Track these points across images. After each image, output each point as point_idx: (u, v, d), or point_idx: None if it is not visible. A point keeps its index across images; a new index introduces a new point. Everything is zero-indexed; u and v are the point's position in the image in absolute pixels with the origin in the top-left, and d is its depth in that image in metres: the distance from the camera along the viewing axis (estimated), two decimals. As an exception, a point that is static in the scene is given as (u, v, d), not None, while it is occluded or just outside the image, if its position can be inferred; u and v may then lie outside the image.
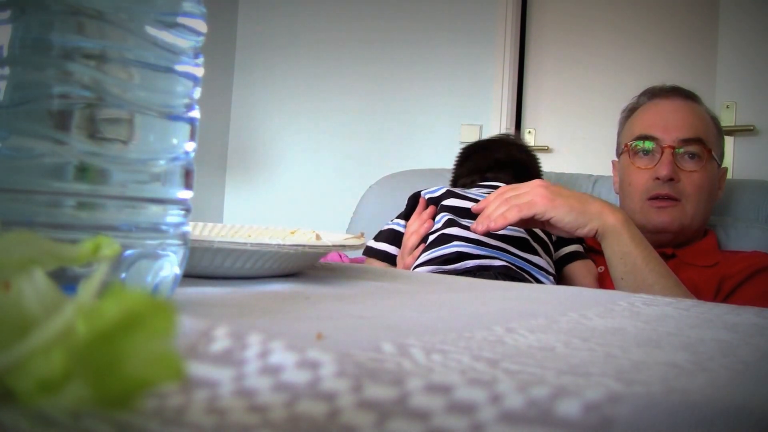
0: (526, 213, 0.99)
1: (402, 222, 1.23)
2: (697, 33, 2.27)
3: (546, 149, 2.54)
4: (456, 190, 1.21)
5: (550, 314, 0.40)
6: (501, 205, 1.00)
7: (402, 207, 1.28)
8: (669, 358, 0.29)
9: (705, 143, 1.19)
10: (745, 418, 0.17)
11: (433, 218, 1.17)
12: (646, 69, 2.25)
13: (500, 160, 1.27)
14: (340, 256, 1.25)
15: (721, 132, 1.27)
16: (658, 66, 2.26)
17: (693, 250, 1.21)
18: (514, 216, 0.98)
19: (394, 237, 1.22)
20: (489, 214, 1.00)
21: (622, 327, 0.37)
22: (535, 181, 1.03)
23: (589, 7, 2.49)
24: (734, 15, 2.02)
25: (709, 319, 0.42)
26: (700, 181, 1.18)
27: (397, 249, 1.20)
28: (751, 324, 0.40)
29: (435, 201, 1.19)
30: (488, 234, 1.08)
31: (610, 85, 2.39)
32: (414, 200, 1.24)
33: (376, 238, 1.24)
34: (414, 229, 1.17)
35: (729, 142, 1.96)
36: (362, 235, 0.61)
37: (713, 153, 1.20)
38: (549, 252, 1.13)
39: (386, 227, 1.25)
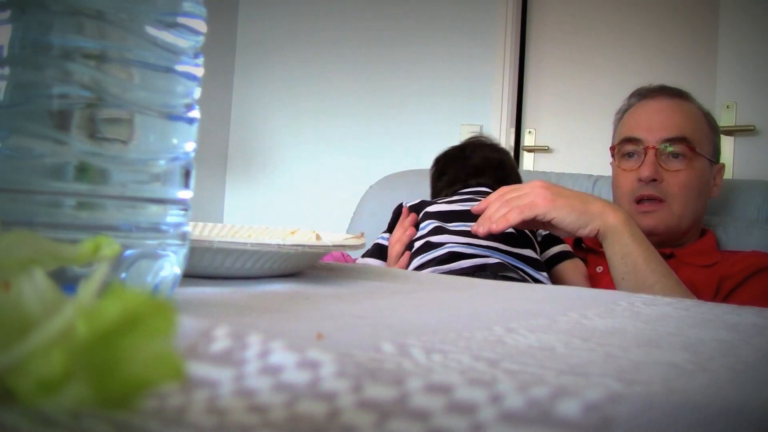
0: (528, 214, 0.98)
1: (386, 236, 1.23)
2: (697, 33, 2.27)
3: (546, 149, 2.55)
4: (437, 199, 1.21)
5: (550, 314, 0.40)
6: (502, 206, 0.99)
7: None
8: (669, 358, 0.29)
9: (689, 141, 1.18)
10: (745, 418, 0.17)
11: (416, 226, 1.17)
12: (647, 69, 2.25)
13: (478, 165, 1.26)
14: (344, 256, 1.25)
15: (714, 128, 1.26)
16: (658, 66, 2.27)
17: (691, 249, 1.20)
18: (515, 217, 0.97)
19: (379, 251, 1.22)
20: (490, 216, 0.99)
21: (622, 327, 0.37)
22: (536, 182, 1.02)
23: (589, 7, 2.49)
24: (734, 15, 2.02)
25: (709, 319, 0.42)
26: (685, 180, 1.17)
27: (383, 262, 1.20)
28: (751, 324, 0.40)
29: (417, 209, 1.19)
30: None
31: (610, 86, 2.39)
32: (397, 212, 1.24)
33: (363, 255, 1.25)
34: (397, 237, 1.17)
35: (729, 142, 1.96)
36: (362, 235, 0.61)
37: (698, 150, 1.19)
38: (534, 249, 1.13)
39: (372, 243, 1.25)
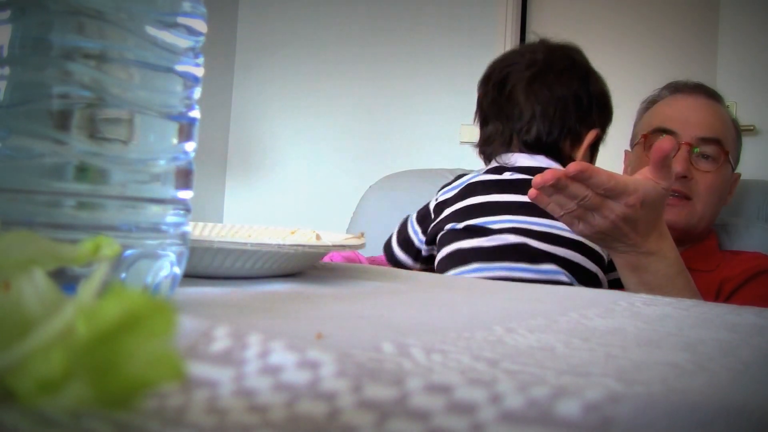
0: (562, 220, 0.80)
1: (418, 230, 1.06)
2: (697, 33, 2.27)
3: (546, 149, 2.55)
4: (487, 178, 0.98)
5: (550, 314, 0.40)
6: (568, 200, 0.77)
7: (402, 207, 1.26)
8: (669, 358, 0.29)
9: (723, 145, 1.16)
10: (745, 418, 0.17)
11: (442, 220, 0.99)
12: (646, 69, 2.25)
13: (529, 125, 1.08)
14: (357, 256, 1.16)
15: (739, 136, 1.25)
16: (658, 66, 2.27)
17: (694, 251, 1.19)
18: (551, 210, 0.79)
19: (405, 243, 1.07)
20: (543, 201, 0.78)
21: (622, 327, 0.37)
22: (620, 208, 0.77)
23: (588, 7, 2.49)
24: (734, 15, 2.02)
25: (709, 319, 0.42)
26: (713, 183, 1.15)
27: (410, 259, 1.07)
28: (751, 324, 0.40)
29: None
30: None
31: (609, 85, 2.39)
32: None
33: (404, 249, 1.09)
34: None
35: (729, 142, 1.96)
36: (362, 235, 0.61)
37: (730, 156, 1.18)
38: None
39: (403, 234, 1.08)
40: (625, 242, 0.81)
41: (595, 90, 1.02)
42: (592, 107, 1.00)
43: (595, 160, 1.06)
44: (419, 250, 1.07)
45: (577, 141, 0.99)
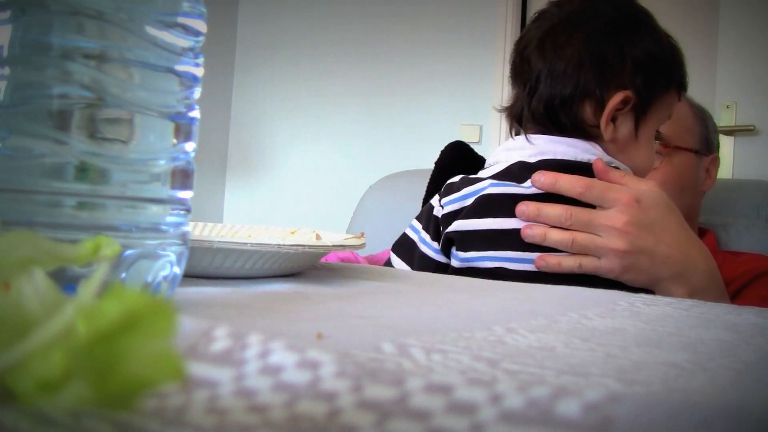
0: (588, 269, 0.73)
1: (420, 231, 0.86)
2: (697, 33, 2.27)
3: (546, 149, 2.54)
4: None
5: (550, 314, 0.40)
6: (562, 233, 0.73)
7: (401, 207, 1.25)
8: (669, 358, 0.29)
9: (661, 138, 1.14)
10: (745, 418, 0.17)
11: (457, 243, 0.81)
12: (646, 69, 2.24)
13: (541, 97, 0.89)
14: (354, 256, 1.04)
15: (702, 120, 1.23)
16: (658, 66, 2.26)
17: None
18: (569, 267, 0.73)
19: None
20: (545, 239, 0.73)
21: (622, 327, 0.37)
22: (619, 215, 0.72)
23: (589, 7, 2.49)
24: (734, 15, 2.02)
25: (709, 319, 0.42)
26: (663, 177, 1.13)
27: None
28: (751, 324, 0.40)
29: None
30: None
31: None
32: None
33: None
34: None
35: (729, 142, 1.96)
36: (362, 235, 0.61)
37: (676, 144, 1.16)
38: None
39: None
40: (665, 261, 0.73)
41: (635, 49, 0.81)
42: (623, 67, 0.80)
43: (636, 134, 0.83)
44: (438, 265, 0.85)
45: (600, 107, 0.80)
